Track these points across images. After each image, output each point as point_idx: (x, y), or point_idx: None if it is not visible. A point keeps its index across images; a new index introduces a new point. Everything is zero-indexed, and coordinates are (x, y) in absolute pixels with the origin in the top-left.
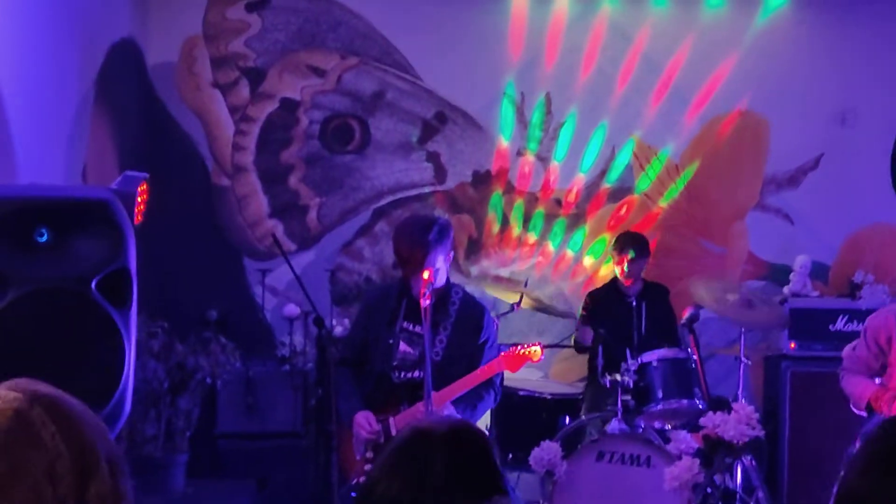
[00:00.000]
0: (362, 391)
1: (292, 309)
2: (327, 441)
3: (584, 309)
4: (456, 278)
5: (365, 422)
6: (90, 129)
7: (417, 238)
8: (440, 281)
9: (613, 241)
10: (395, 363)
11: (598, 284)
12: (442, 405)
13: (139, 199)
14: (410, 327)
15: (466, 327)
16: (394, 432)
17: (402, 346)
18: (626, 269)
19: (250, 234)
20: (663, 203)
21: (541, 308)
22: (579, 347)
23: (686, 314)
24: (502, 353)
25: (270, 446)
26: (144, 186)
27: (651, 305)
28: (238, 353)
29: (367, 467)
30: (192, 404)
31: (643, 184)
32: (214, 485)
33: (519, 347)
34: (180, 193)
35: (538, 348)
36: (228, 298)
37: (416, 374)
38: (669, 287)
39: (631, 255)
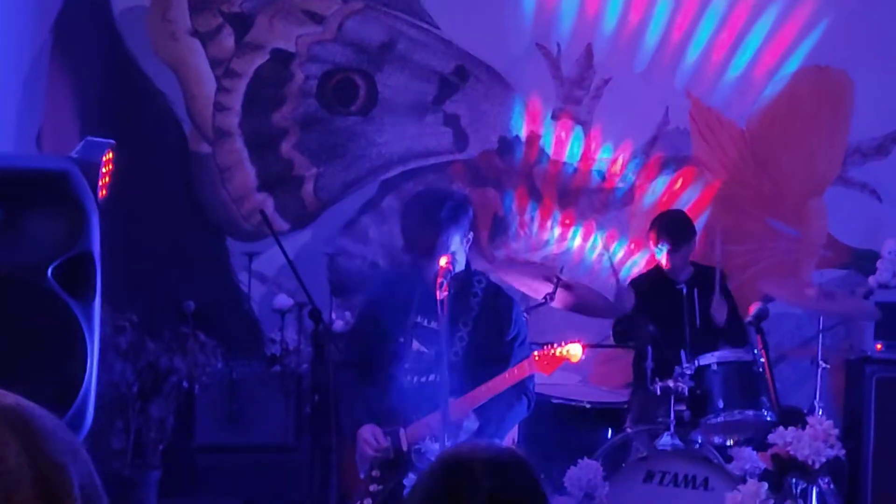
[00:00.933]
0: (367, 398)
1: (284, 300)
2: (325, 456)
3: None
4: (478, 264)
5: (371, 436)
6: (46, 86)
7: (427, 216)
8: (459, 267)
9: (650, 224)
10: (407, 365)
11: (645, 271)
12: (462, 414)
13: (104, 170)
14: (425, 322)
15: (491, 322)
16: (405, 446)
17: (416, 345)
18: (665, 259)
19: (235, 210)
20: (725, 176)
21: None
22: (619, 338)
23: (753, 309)
24: (535, 353)
25: (258, 462)
26: (110, 155)
27: (706, 293)
28: (220, 352)
29: (373, 488)
30: (165, 412)
31: (702, 152)
32: None
33: (555, 346)
34: (152, 163)
35: (578, 347)
36: (209, 287)
37: (432, 377)
38: (732, 276)
39: (668, 244)
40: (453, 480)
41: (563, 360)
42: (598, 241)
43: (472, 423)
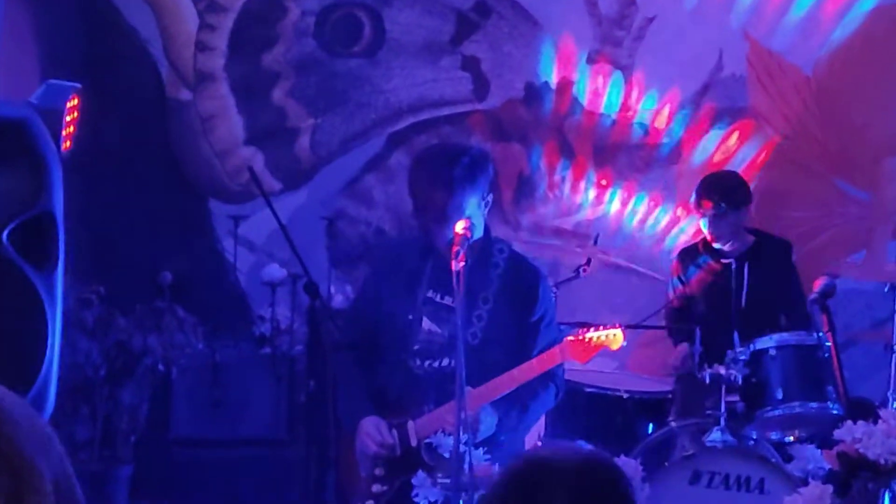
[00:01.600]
0: (370, 385)
1: (275, 271)
2: (322, 452)
3: (674, 273)
4: (500, 231)
5: (374, 430)
6: (1, 21)
7: (439, 175)
8: (476, 235)
9: (695, 188)
10: (416, 347)
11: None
12: (479, 406)
13: (68, 119)
14: (437, 298)
15: (514, 299)
16: (413, 441)
17: (427, 324)
18: (710, 227)
19: (219, 167)
20: (788, 131)
21: (617, 273)
22: (674, 330)
23: (818, 286)
24: (567, 338)
25: (244, 458)
26: (76, 101)
27: (760, 268)
28: (200, 331)
29: (376, 488)
30: (138, 399)
31: (760, 103)
32: None
33: (591, 331)
34: (124, 111)
35: (618, 332)
36: (188, 255)
37: (446, 361)
38: (794, 247)
39: (714, 210)
40: (531, 490)
41: (601, 348)
42: (639, 205)
43: (490, 416)
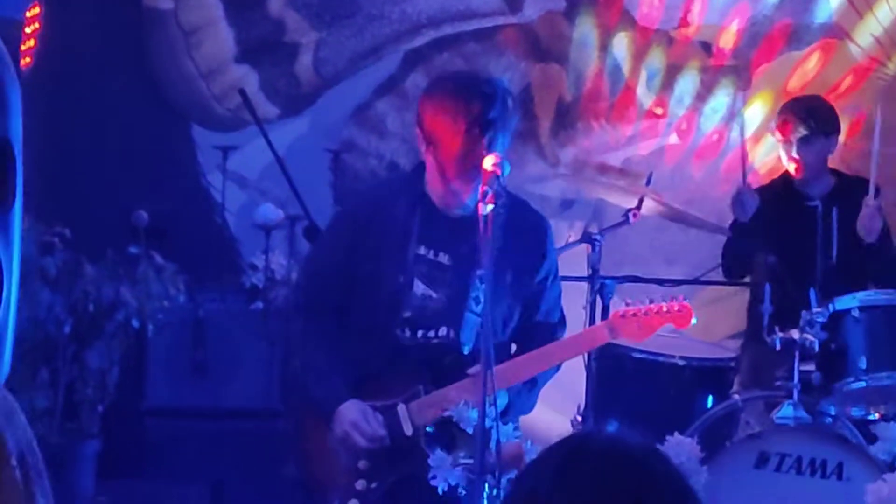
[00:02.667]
0: (341, 361)
1: (270, 212)
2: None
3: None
4: (537, 168)
5: (362, 418)
6: None
7: (479, 99)
8: (506, 173)
9: (778, 110)
10: (407, 314)
11: (767, 181)
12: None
13: (27, 31)
14: (430, 255)
15: (520, 255)
16: (408, 429)
17: (420, 288)
18: (795, 154)
19: (205, 88)
20: (878, 52)
21: (673, 219)
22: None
23: None
24: (618, 312)
25: (230, 431)
26: (37, 10)
27: (848, 212)
28: (182, 281)
29: (360, 485)
30: (107, 361)
31: (846, 20)
32: (142, 489)
33: (653, 307)
34: (94, 22)
35: (686, 308)
36: (167, 192)
37: (443, 331)
38: (886, 189)
39: (802, 131)
40: (559, 475)
41: (662, 325)
42: (699, 139)
43: (501, 396)
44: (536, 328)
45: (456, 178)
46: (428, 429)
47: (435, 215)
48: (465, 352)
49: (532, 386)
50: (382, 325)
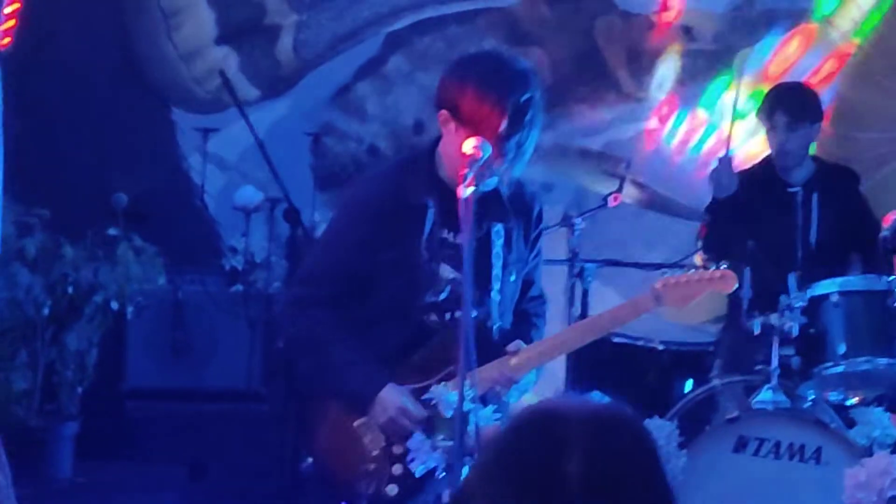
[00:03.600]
0: (371, 348)
1: (250, 194)
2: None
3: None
4: None
5: (406, 402)
6: None
7: (519, 83)
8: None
9: (764, 96)
10: (437, 299)
11: (747, 166)
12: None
13: (6, 10)
14: (452, 238)
15: (522, 231)
16: (445, 410)
17: (447, 272)
18: (778, 142)
19: (185, 70)
20: (858, 37)
21: (653, 204)
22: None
23: (889, 221)
24: (660, 282)
25: (210, 413)
26: None
27: (828, 201)
28: (161, 263)
29: (398, 469)
30: (87, 343)
31: (826, 4)
32: (121, 471)
33: (694, 275)
34: (74, 3)
35: (734, 277)
36: (147, 174)
37: (473, 312)
38: (864, 173)
39: (787, 118)
40: (538, 447)
41: (706, 290)
42: (680, 124)
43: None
44: (529, 302)
45: (498, 155)
46: (425, 396)
47: (451, 197)
48: (495, 331)
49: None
50: (409, 311)
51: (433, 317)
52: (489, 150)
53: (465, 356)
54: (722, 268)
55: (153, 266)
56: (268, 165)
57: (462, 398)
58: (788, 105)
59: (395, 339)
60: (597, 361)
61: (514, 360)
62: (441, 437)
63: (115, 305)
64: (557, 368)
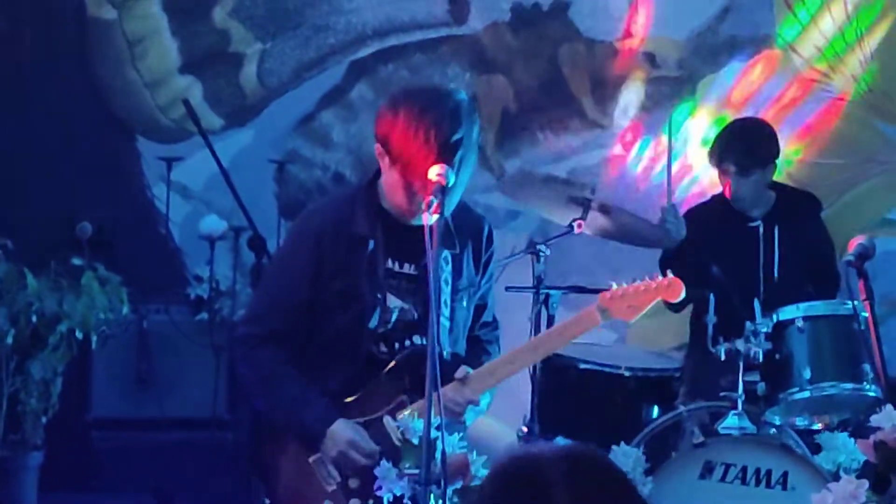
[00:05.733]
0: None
1: (214, 223)
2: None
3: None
4: (481, 179)
5: (357, 436)
6: None
7: (448, 119)
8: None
9: (714, 139)
10: (383, 330)
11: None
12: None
13: None
14: (397, 267)
15: (471, 257)
16: (397, 439)
17: (393, 302)
18: (731, 189)
19: (149, 99)
20: (821, 64)
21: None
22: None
23: (853, 245)
24: (605, 294)
25: (176, 442)
26: None
27: (790, 229)
28: (126, 293)
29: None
30: (51, 373)
31: (789, 31)
32: (86, 502)
33: (640, 285)
34: (37, 31)
35: (675, 280)
36: (112, 203)
37: (417, 340)
38: (826, 200)
39: (737, 166)
40: (527, 490)
41: (653, 301)
42: (644, 150)
43: (486, 395)
44: (482, 328)
45: (427, 195)
46: (394, 423)
47: (395, 227)
48: (445, 357)
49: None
50: (357, 343)
51: (382, 348)
52: (454, 177)
53: (432, 382)
54: (669, 276)
55: (118, 295)
56: (232, 194)
57: (429, 425)
58: (737, 154)
59: (344, 371)
60: (563, 387)
61: (468, 383)
62: (408, 464)
63: (79, 335)
64: (524, 394)
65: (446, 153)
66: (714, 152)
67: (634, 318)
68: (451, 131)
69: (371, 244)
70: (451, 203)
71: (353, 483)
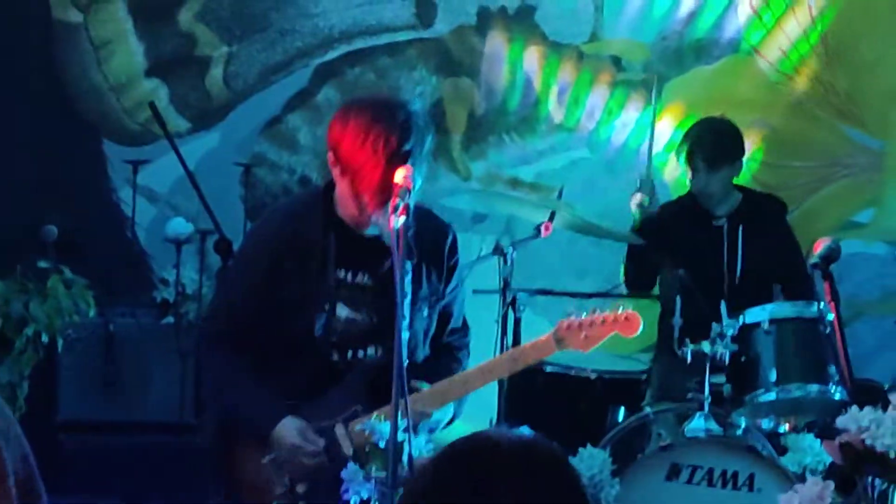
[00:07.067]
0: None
1: (181, 226)
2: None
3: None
4: (448, 181)
5: (300, 437)
6: None
7: (398, 130)
8: (417, 186)
9: (682, 136)
10: (334, 339)
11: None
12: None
13: None
14: (350, 277)
15: (433, 264)
16: (347, 449)
17: (344, 311)
18: (700, 184)
19: (115, 102)
20: (786, 67)
21: (585, 231)
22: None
23: (819, 248)
24: (562, 324)
25: (143, 445)
26: None
27: (754, 231)
28: (92, 296)
29: None
30: (18, 376)
31: (754, 34)
32: None
33: (598, 317)
34: (3, 34)
35: (634, 314)
36: (77, 206)
37: (371, 351)
38: (792, 202)
39: (706, 161)
40: (471, 474)
41: (609, 334)
42: (611, 152)
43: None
44: (451, 335)
45: (376, 207)
46: (359, 427)
47: (349, 236)
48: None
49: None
50: (311, 350)
51: (335, 356)
52: (420, 180)
53: (399, 385)
54: (627, 309)
55: (84, 298)
56: (199, 197)
57: (395, 429)
58: (706, 149)
59: (297, 378)
60: (530, 390)
61: (420, 398)
62: (374, 467)
63: (45, 338)
64: (490, 398)
65: (395, 164)
66: (683, 147)
67: (590, 348)
68: (400, 142)
69: (324, 252)
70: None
71: (301, 488)
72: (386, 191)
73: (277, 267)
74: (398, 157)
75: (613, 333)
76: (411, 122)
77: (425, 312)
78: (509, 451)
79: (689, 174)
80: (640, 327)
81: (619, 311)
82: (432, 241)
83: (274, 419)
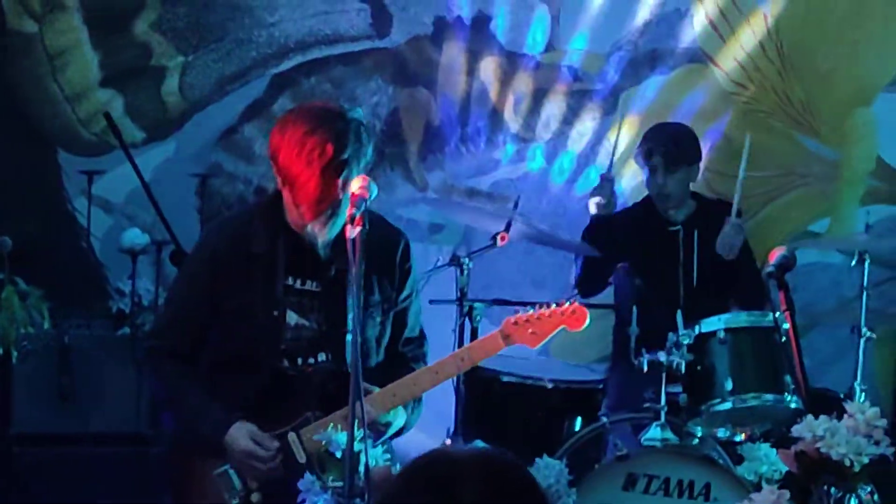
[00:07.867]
0: (223, 395)
1: (136, 236)
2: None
3: (587, 235)
4: (404, 192)
5: (251, 443)
6: None
7: (333, 140)
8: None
9: (641, 138)
10: (283, 346)
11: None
12: (389, 409)
13: None
14: (298, 285)
15: (386, 272)
16: (301, 457)
17: (293, 318)
18: (657, 185)
19: (70, 112)
20: (741, 77)
21: (541, 241)
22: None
23: (774, 257)
24: (511, 319)
25: (99, 457)
26: None
27: (709, 237)
28: (46, 307)
29: None
30: None
31: (710, 45)
32: None
33: (545, 311)
34: None
35: (580, 308)
36: (32, 217)
37: (321, 358)
38: (748, 211)
39: (664, 161)
40: (437, 488)
41: (557, 328)
42: (567, 163)
43: (401, 414)
44: (406, 344)
45: (313, 217)
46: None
47: (298, 244)
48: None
49: (419, 401)
50: (260, 358)
51: (286, 363)
52: (376, 189)
53: (356, 394)
54: (574, 302)
55: (38, 310)
56: (154, 208)
57: (352, 438)
58: (665, 148)
59: (248, 387)
60: (486, 400)
61: (370, 401)
62: (331, 477)
63: (0, 350)
64: (447, 408)
65: (330, 174)
66: (641, 150)
67: (538, 344)
68: (336, 151)
69: (270, 261)
70: (339, 223)
71: (255, 497)
72: (323, 201)
73: (221, 277)
74: (334, 167)
75: (561, 328)
76: (349, 132)
77: (378, 319)
78: (469, 457)
79: (647, 174)
80: (588, 320)
81: (566, 305)
82: (384, 248)
83: (225, 425)
